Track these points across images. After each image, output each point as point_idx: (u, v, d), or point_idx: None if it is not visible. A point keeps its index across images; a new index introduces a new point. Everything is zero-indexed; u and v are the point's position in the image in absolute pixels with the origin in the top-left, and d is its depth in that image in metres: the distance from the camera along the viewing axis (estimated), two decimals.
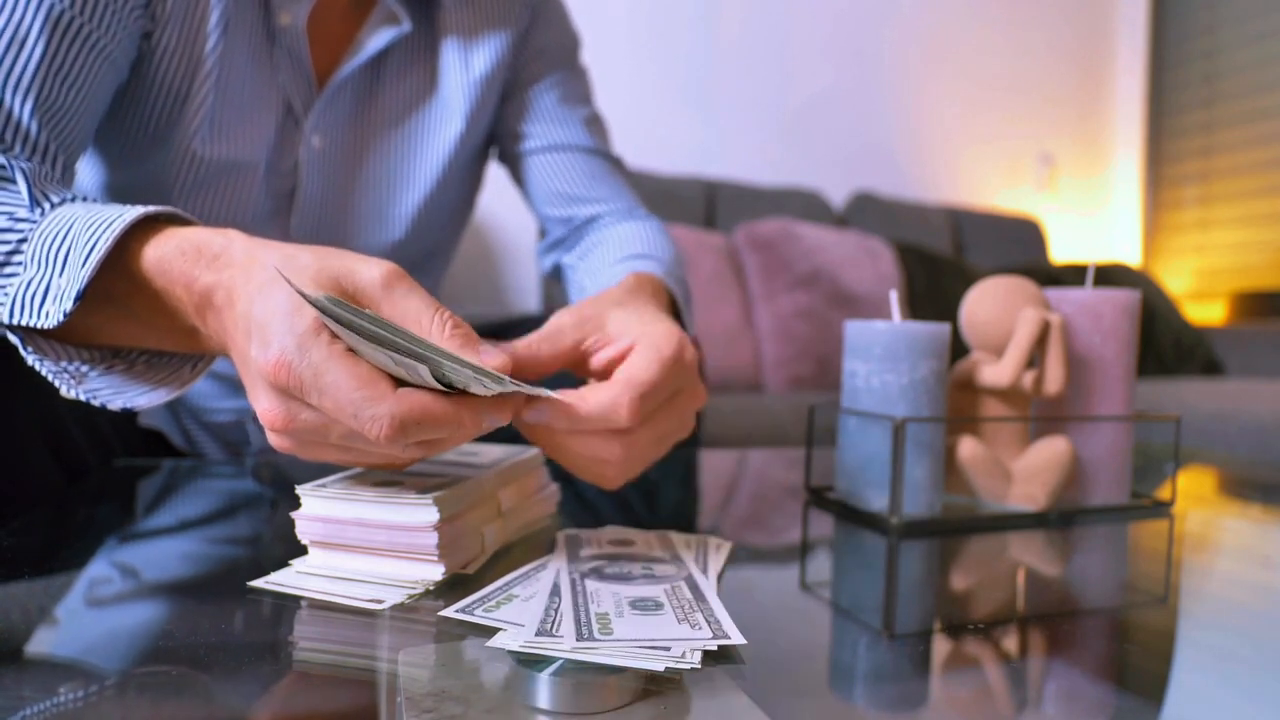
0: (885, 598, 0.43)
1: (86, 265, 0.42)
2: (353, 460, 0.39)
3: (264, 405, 0.37)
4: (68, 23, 0.55)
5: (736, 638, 0.31)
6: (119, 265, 0.43)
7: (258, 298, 0.37)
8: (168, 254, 0.42)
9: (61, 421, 0.63)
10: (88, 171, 0.71)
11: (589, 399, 0.40)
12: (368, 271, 0.38)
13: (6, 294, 0.45)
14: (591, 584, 0.37)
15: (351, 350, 0.35)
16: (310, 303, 0.33)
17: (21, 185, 0.48)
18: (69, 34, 0.55)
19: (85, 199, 0.50)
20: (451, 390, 0.35)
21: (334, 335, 0.35)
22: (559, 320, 0.45)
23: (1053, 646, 0.36)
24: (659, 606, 0.34)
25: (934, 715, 0.29)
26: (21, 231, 0.47)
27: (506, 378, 0.36)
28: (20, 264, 0.46)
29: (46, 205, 0.48)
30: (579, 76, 0.86)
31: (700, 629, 0.32)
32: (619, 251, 0.76)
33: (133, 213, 0.43)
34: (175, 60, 0.63)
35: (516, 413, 0.39)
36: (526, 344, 0.43)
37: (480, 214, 2.10)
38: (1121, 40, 3.16)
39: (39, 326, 0.44)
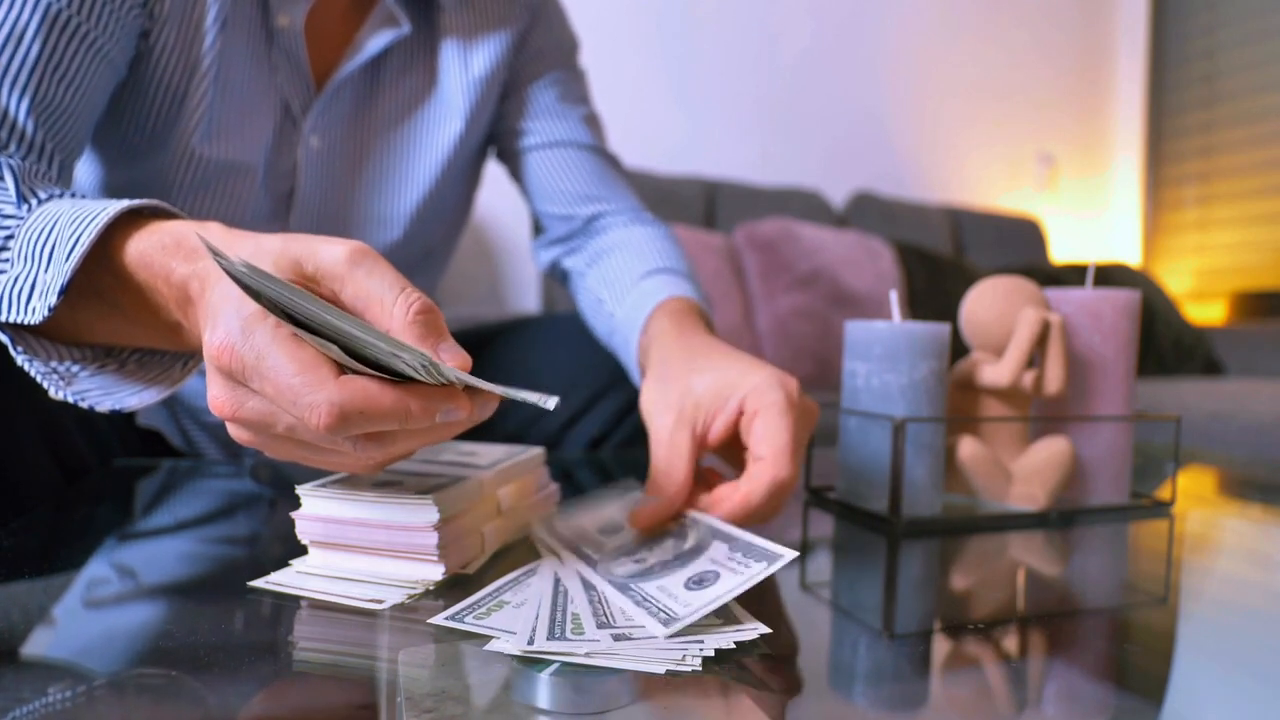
0: (885, 598, 0.43)
1: (70, 259, 0.41)
2: (316, 461, 0.36)
3: (213, 392, 0.35)
4: (65, 21, 0.55)
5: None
6: (104, 259, 0.43)
7: (218, 284, 0.36)
8: (149, 248, 0.41)
9: (60, 421, 0.63)
10: (87, 171, 0.71)
11: (753, 496, 0.43)
12: (331, 251, 0.36)
13: None
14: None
15: (298, 336, 0.33)
16: (224, 269, 0.31)
17: (9, 182, 0.48)
18: (66, 32, 0.55)
19: (74, 195, 0.49)
20: (400, 379, 0.33)
21: (281, 319, 0.33)
22: (674, 440, 0.47)
23: (1053, 646, 0.36)
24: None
25: (934, 715, 0.29)
26: (8, 229, 0.46)
27: (436, 362, 0.32)
28: (7, 261, 0.46)
29: (34, 201, 0.47)
30: (578, 77, 0.86)
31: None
32: (639, 264, 0.75)
33: (116, 206, 0.43)
34: (173, 60, 0.63)
35: (479, 411, 0.36)
36: (672, 487, 0.45)
37: (479, 213, 2.10)
38: (1121, 40, 3.16)
39: (27, 323, 0.44)
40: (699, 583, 0.34)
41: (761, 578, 0.33)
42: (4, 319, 0.44)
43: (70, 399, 0.45)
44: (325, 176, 0.73)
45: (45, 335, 0.47)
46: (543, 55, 0.82)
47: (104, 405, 0.46)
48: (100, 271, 0.43)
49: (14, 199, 0.47)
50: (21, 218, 0.46)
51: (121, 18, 0.59)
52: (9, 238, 0.46)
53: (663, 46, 2.43)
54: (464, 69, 0.76)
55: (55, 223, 0.44)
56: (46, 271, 0.43)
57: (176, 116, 0.65)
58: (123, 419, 0.75)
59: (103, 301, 0.45)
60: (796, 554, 0.34)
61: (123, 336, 0.47)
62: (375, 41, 0.71)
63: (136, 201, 0.44)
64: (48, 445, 0.62)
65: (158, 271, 0.41)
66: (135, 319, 0.45)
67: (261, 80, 0.68)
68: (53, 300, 0.42)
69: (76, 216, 0.43)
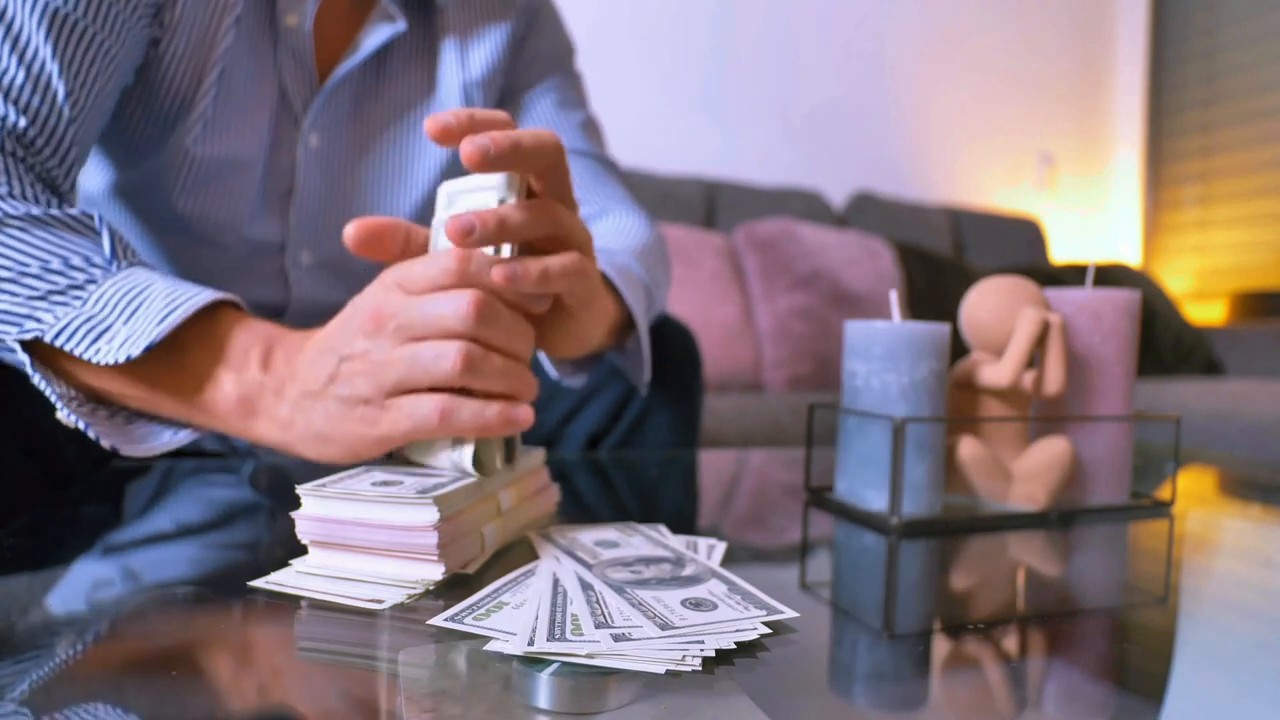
0: (885, 598, 0.43)
1: (165, 322, 0.46)
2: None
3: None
4: (73, 25, 0.56)
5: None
6: (175, 337, 0.47)
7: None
8: (229, 332, 0.48)
9: (48, 434, 0.63)
10: (93, 174, 0.71)
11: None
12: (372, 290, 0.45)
13: (56, 317, 0.47)
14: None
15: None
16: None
17: (105, 239, 0.51)
18: (75, 36, 0.56)
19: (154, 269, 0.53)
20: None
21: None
22: None
23: (1053, 646, 0.36)
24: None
25: (934, 715, 0.29)
26: (93, 274, 0.49)
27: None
28: (80, 299, 0.48)
29: (124, 261, 0.51)
30: (574, 82, 0.86)
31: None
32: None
33: (210, 294, 0.48)
34: (183, 67, 0.64)
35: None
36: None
37: None
38: (1121, 40, 3.16)
39: (87, 359, 0.46)
40: (696, 605, 0.34)
41: (761, 629, 0.32)
42: (60, 346, 0.47)
43: (81, 426, 0.48)
44: (324, 175, 0.73)
45: (53, 369, 0.49)
46: (540, 60, 0.82)
47: (104, 441, 0.48)
48: (162, 345, 0.47)
49: (108, 257, 0.51)
50: (111, 271, 0.50)
51: (131, 25, 0.59)
52: (90, 281, 0.49)
53: (663, 48, 2.43)
54: (462, 69, 0.76)
55: (149, 287, 0.48)
56: (127, 324, 0.47)
57: (182, 120, 0.65)
58: None
59: (147, 365, 0.48)
60: (797, 614, 0.34)
61: (133, 400, 0.50)
62: (373, 38, 0.71)
63: (223, 294, 0.49)
64: (34, 458, 0.61)
65: (233, 365, 0.47)
66: (162, 389, 0.49)
67: (264, 79, 0.68)
68: (134, 352, 0.45)
69: (173, 292, 0.48)
